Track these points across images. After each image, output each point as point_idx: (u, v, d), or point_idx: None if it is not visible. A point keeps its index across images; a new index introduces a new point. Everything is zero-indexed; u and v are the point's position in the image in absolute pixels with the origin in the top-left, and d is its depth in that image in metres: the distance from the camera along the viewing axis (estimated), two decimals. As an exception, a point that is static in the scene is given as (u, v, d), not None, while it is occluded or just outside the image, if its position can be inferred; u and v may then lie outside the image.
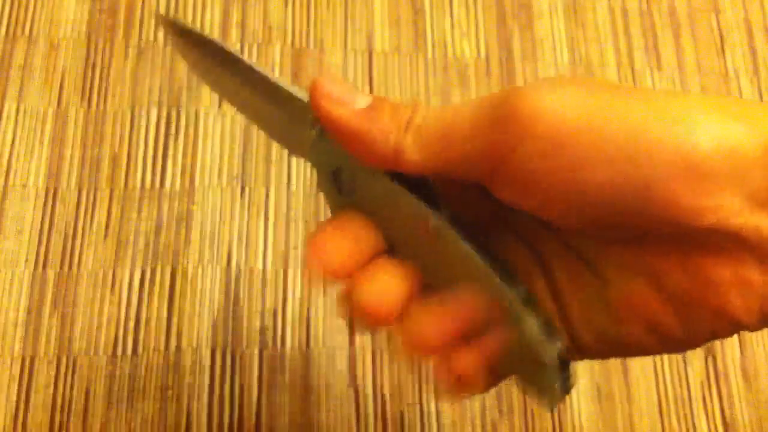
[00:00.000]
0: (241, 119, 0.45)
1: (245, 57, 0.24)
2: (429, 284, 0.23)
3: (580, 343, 0.23)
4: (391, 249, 0.23)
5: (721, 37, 0.51)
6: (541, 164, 0.19)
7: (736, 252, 0.19)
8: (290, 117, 0.24)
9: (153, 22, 0.47)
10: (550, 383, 0.21)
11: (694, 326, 0.20)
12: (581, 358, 0.23)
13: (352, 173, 0.23)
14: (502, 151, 0.20)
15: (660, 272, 0.20)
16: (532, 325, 0.21)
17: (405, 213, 0.22)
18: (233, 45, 0.46)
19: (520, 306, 0.21)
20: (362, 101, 0.22)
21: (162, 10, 0.47)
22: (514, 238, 0.24)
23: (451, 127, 0.21)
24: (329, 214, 0.24)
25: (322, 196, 0.24)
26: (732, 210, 0.18)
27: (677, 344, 0.21)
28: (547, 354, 0.21)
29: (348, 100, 0.22)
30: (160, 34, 0.46)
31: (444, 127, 0.21)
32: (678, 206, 0.18)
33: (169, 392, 0.39)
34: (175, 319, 0.40)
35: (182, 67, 0.45)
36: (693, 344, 0.21)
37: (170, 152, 0.44)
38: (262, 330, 0.40)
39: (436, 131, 0.21)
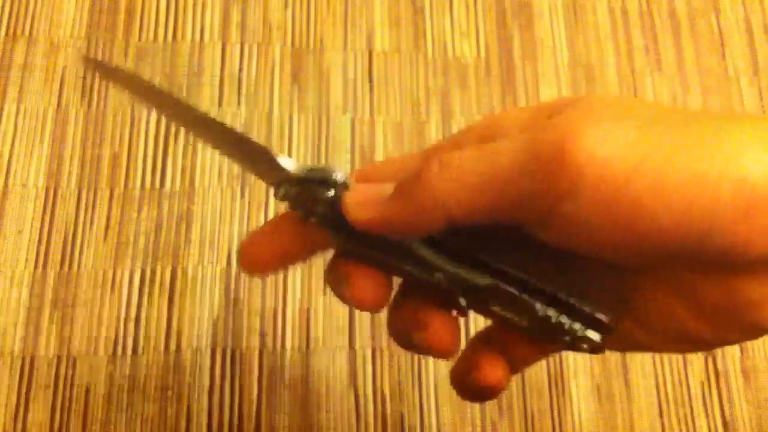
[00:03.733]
0: (241, 118, 0.45)
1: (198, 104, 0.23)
2: None
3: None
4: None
5: (721, 37, 0.51)
6: (594, 215, 0.18)
7: None
8: (268, 172, 0.23)
9: (153, 22, 0.47)
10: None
11: (726, 334, 0.20)
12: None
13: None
14: (550, 201, 0.18)
15: (697, 291, 0.20)
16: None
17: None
18: (233, 45, 0.46)
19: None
20: (388, 188, 0.21)
21: (162, 11, 0.47)
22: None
23: (492, 172, 0.19)
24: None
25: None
26: None
27: (705, 346, 0.21)
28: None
29: (377, 198, 0.21)
30: (161, 34, 0.46)
31: (484, 172, 0.19)
32: (735, 245, 0.18)
33: (169, 392, 0.39)
34: (175, 319, 0.40)
35: (182, 67, 0.45)
36: (721, 345, 0.21)
37: (170, 152, 0.44)
38: (262, 330, 0.40)
39: (475, 179, 0.19)
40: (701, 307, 0.20)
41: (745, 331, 0.20)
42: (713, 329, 0.20)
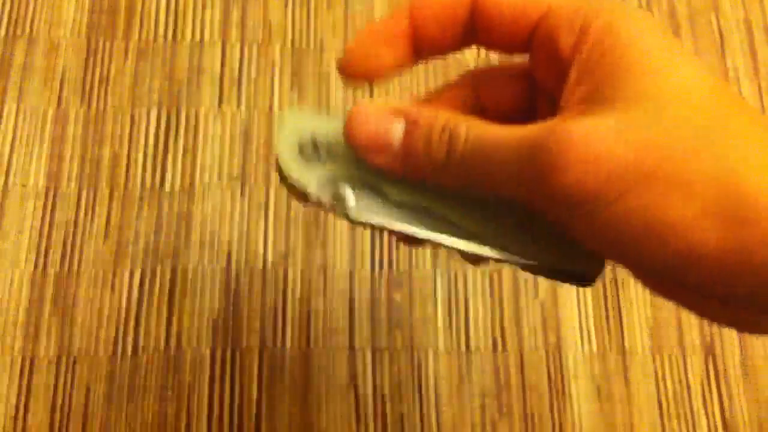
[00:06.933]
0: (241, 118, 0.45)
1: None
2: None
3: None
4: None
5: (721, 37, 0.51)
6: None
7: None
8: None
9: (153, 22, 0.47)
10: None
11: None
12: None
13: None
14: (535, 199, 0.19)
15: None
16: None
17: None
18: (233, 45, 0.46)
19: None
20: (397, 133, 0.22)
21: (162, 11, 0.47)
22: None
23: (491, 159, 0.20)
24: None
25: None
26: None
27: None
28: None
29: (383, 141, 0.22)
30: (161, 34, 0.46)
31: (484, 156, 0.20)
32: None
33: (169, 392, 0.39)
34: (175, 319, 0.40)
35: (182, 67, 0.45)
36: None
37: (170, 152, 0.44)
38: (262, 330, 0.40)
39: (475, 160, 0.21)
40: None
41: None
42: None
